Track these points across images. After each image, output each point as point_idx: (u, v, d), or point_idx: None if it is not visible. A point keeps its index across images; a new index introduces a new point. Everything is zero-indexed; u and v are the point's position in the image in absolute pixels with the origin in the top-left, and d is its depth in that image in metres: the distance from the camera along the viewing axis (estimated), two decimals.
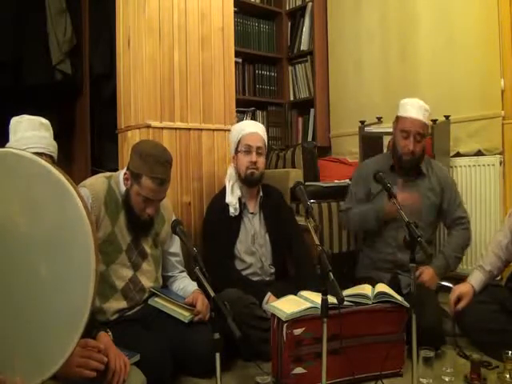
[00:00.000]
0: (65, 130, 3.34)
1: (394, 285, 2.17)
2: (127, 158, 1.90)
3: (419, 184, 2.32)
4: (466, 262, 2.95)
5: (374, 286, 1.95)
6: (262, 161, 2.29)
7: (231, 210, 2.25)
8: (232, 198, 2.26)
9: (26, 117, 1.66)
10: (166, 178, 1.78)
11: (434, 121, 2.86)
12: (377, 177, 1.96)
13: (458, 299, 2.02)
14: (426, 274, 2.16)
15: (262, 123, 4.01)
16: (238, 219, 2.28)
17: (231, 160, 2.37)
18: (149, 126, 2.31)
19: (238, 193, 2.28)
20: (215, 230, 2.24)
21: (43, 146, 1.63)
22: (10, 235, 1.04)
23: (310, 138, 4.02)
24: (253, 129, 2.30)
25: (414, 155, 2.23)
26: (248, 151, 2.26)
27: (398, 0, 3.40)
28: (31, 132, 1.63)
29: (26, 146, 1.58)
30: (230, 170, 2.37)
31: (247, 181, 2.29)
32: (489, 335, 1.93)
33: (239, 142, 2.29)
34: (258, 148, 2.27)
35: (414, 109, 2.22)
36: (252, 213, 2.34)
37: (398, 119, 2.31)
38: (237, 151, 2.30)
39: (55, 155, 1.69)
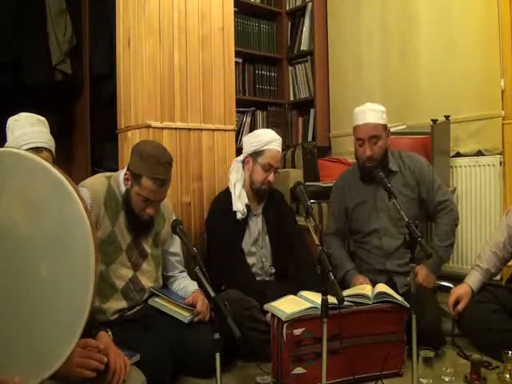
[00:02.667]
0: (65, 130, 3.35)
1: (391, 285, 2.16)
2: (127, 158, 1.90)
3: (391, 182, 2.20)
4: (466, 262, 2.95)
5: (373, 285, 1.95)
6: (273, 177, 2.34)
7: (238, 215, 2.26)
8: (240, 205, 2.26)
9: (22, 114, 1.67)
10: (166, 179, 1.78)
11: (434, 121, 2.86)
12: (377, 177, 1.96)
13: (457, 301, 2.02)
14: (420, 274, 2.13)
15: (262, 123, 4.03)
16: (244, 221, 2.29)
17: (246, 162, 2.34)
18: (149, 126, 2.31)
19: (245, 200, 2.30)
20: (224, 233, 2.24)
21: (43, 141, 1.63)
22: (9, 235, 1.04)
23: (310, 138, 4.01)
24: (278, 147, 2.33)
25: (373, 159, 2.19)
26: (268, 170, 2.29)
27: (398, 0, 3.40)
28: (30, 128, 1.63)
29: (26, 141, 1.59)
30: (236, 172, 2.36)
31: (257, 193, 2.33)
32: (488, 335, 1.93)
33: (262, 152, 2.29)
34: (277, 168, 2.34)
35: (361, 115, 2.22)
36: (255, 214, 2.35)
37: (353, 131, 2.29)
38: (256, 159, 2.30)
39: (54, 150, 1.70)
